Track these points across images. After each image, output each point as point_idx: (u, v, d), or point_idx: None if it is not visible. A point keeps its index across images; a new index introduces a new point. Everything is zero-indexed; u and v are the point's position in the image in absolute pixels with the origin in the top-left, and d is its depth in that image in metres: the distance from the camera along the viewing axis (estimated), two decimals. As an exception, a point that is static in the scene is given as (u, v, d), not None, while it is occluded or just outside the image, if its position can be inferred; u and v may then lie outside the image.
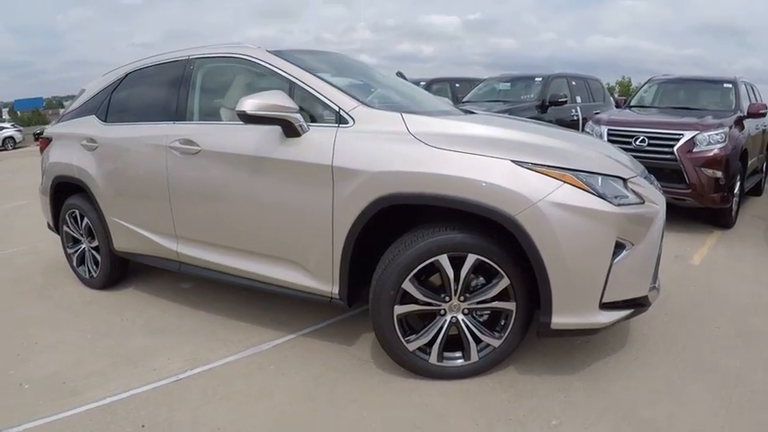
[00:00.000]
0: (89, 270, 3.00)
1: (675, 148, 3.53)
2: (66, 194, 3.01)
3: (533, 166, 1.69)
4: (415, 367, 1.91)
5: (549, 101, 5.48)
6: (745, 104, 4.16)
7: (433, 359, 1.89)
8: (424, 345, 1.87)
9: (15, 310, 2.78)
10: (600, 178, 1.75)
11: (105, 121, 2.76)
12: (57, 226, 3.15)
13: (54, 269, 3.42)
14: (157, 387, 1.95)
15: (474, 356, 1.88)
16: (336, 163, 1.85)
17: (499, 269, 1.77)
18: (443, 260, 1.77)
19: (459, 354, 1.90)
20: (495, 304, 1.83)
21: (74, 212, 2.96)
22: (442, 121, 1.97)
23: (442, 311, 1.86)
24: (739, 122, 3.83)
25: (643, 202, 1.80)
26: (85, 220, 2.88)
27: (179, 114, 2.36)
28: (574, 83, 6.22)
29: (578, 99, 6.17)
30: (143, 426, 1.72)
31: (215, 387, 1.94)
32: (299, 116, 1.90)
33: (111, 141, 2.65)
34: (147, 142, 2.43)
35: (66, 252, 3.14)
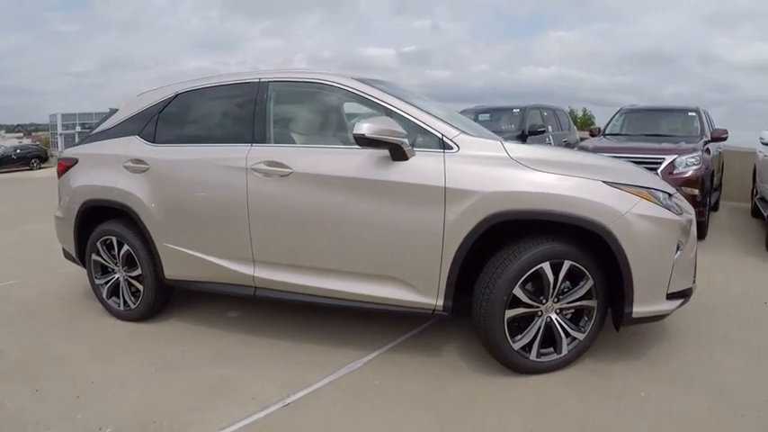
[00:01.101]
0: (125, 301, 2.77)
1: (659, 171, 4.10)
2: (96, 220, 2.79)
3: (618, 185, 1.98)
4: (517, 365, 2.05)
5: (529, 130, 6.02)
6: (708, 130, 4.92)
7: (532, 356, 2.05)
8: (526, 344, 2.04)
9: (47, 349, 2.49)
10: (661, 194, 2.09)
11: (154, 141, 2.65)
12: (80, 255, 2.89)
13: (68, 302, 3.12)
14: (269, 414, 1.87)
15: (564, 350, 2.07)
16: (449, 185, 1.98)
17: (586, 272, 2.01)
18: (546, 267, 1.97)
19: (551, 349, 2.08)
20: (582, 303, 2.06)
21: (108, 239, 2.75)
22: (534, 147, 2.21)
23: (540, 312, 2.05)
24: (706, 146, 4.55)
25: (682, 213, 2.17)
26: (125, 247, 2.68)
27: (258, 136, 2.34)
28: (545, 113, 6.88)
29: (550, 128, 6.80)
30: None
31: (332, 407, 1.91)
32: (407, 141, 2.03)
33: (168, 163, 2.53)
34: (222, 164, 2.36)
35: (93, 283, 2.87)
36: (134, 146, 2.67)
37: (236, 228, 2.34)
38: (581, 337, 2.08)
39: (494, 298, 1.96)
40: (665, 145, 4.43)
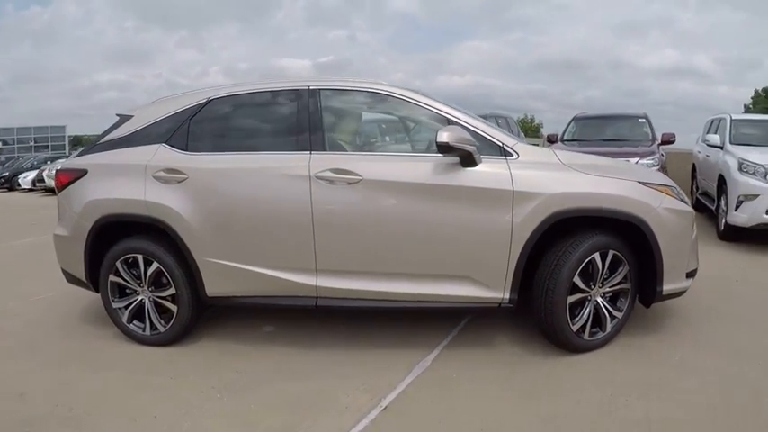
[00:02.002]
0: (152, 325, 2.53)
1: (623, 173, 4.74)
2: (113, 237, 2.52)
3: (649, 185, 2.35)
4: (575, 346, 2.30)
5: None
6: (658, 135, 5.69)
7: (586, 336, 2.32)
8: (581, 326, 2.30)
9: (76, 384, 2.20)
10: (677, 189, 2.52)
11: (186, 150, 2.47)
12: (92, 277, 2.57)
13: (67, 330, 2.82)
14: (375, 420, 1.88)
15: (608, 328, 2.37)
16: (517, 188, 2.17)
17: (624, 259, 2.34)
18: (596, 256, 2.25)
19: (597, 329, 2.38)
20: (620, 286, 2.38)
21: (131, 258, 2.50)
22: (574, 154, 2.50)
23: (589, 297, 2.33)
24: (658, 149, 5.33)
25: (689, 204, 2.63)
26: (154, 265, 2.46)
27: (315, 144, 2.32)
28: (499, 121, 7.44)
29: None
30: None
31: (429, 404, 1.98)
32: (476, 149, 2.19)
33: (213, 173, 2.38)
34: (279, 173, 2.29)
35: (109, 307, 2.57)
36: (163, 155, 2.47)
37: (297, 237, 2.29)
38: (619, 315, 2.40)
39: (558, 287, 2.20)
40: (625, 149, 5.12)
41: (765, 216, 4.11)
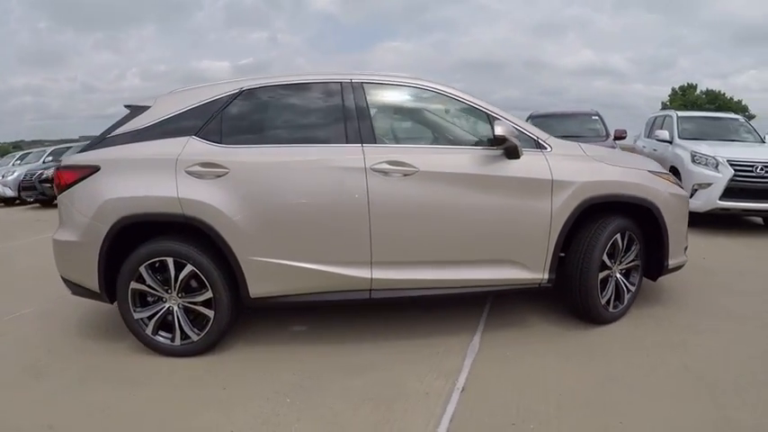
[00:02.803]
0: (183, 334, 2.32)
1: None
2: (133, 240, 2.27)
3: (656, 173, 2.70)
4: (602, 318, 2.56)
5: None
6: (611, 131, 6.34)
7: (611, 309, 2.60)
8: (606, 300, 2.57)
9: (117, 409, 1.93)
10: (673, 177, 2.92)
11: (221, 142, 2.31)
12: (108, 286, 2.29)
13: (71, 349, 2.43)
14: (461, 401, 1.94)
15: (626, 301, 2.67)
16: (555, 177, 2.37)
17: (636, 239, 2.66)
18: (618, 237, 2.54)
19: (617, 302, 2.66)
20: (633, 263, 2.70)
21: (159, 262, 2.27)
22: (595, 147, 2.78)
23: (612, 274, 2.60)
24: (615, 145, 5.95)
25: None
26: (186, 268, 2.25)
27: (366, 137, 2.31)
28: None
29: None
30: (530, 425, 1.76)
31: (507, 378, 2.09)
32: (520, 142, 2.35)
33: (258, 167, 2.25)
34: (332, 165, 2.25)
35: (129, 318, 2.30)
36: (195, 148, 2.28)
37: (353, 230, 2.26)
38: (633, 289, 2.72)
39: (591, 265, 2.45)
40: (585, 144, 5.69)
41: (719, 202, 4.75)
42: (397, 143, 2.48)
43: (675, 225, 2.68)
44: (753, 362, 2.19)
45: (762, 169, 4.71)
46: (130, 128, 2.37)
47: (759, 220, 5.40)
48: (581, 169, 2.47)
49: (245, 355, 2.39)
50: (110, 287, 2.30)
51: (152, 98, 2.50)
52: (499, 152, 2.35)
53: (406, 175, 2.28)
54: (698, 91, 42.57)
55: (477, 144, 2.45)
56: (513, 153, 2.34)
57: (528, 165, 2.39)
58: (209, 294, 2.28)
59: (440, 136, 2.70)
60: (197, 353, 2.34)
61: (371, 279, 2.32)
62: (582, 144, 2.68)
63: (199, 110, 2.36)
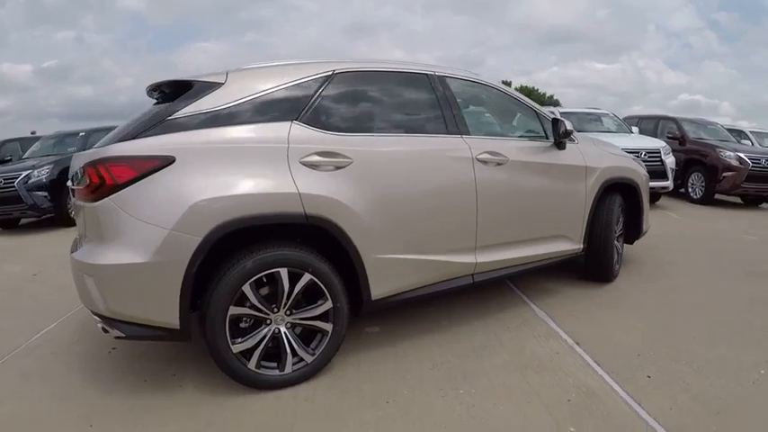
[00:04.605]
0: (296, 357, 1.94)
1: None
2: (222, 251, 1.79)
3: (636, 160, 3.49)
4: (613, 275, 3.17)
5: None
6: None
7: (617, 267, 3.24)
8: (615, 260, 3.21)
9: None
10: (639, 160, 3.82)
11: (329, 129, 2.01)
12: (185, 312, 1.72)
13: (108, 387, 1.75)
14: (586, 350, 2.21)
15: (620, 261, 3.43)
16: (587, 164, 2.87)
17: (621, 214, 3.38)
18: (620, 210, 3.21)
19: (618, 263, 3.35)
20: (621, 231, 3.41)
21: (271, 274, 1.83)
22: (598, 138, 3.42)
23: (618, 239, 3.23)
24: None
25: None
26: (304, 278, 1.89)
27: (461, 129, 2.34)
28: None
29: None
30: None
31: (600, 331, 2.42)
32: None
33: (380, 156, 2.05)
34: (446, 155, 2.22)
35: (225, 354, 1.80)
36: (305, 134, 1.92)
37: (464, 218, 2.29)
38: (621, 251, 3.47)
39: (611, 233, 3.03)
40: None
41: None
42: (479, 134, 2.60)
43: (646, 198, 3.52)
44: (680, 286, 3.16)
45: (646, 155, 6.18)
46: (202, 108, 1.83)
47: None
48: (600, 157, 3.05)
49: (348, 368, 2.11)
50: (186, 316, 1.74)
51: (215, 73, 1.96)
52: (549, 143, 2.74)
53: (499, 164, 2.43)
54: (512, 87, 51.50)
55: (534, 137, 2.78)
56: (563, 145, 2.77)
57: (570, 154, 2.84)
58: (327, 305, 1.96)
59: (507, 129, 2.93)
60: (311, 376, 1.99)
61: (476, 263, 2.40)
62: (592, 137, 3.31)
63: (290, 91, 1.99)
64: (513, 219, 2.55)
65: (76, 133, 7.15)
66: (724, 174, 6.75)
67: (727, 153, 6.89)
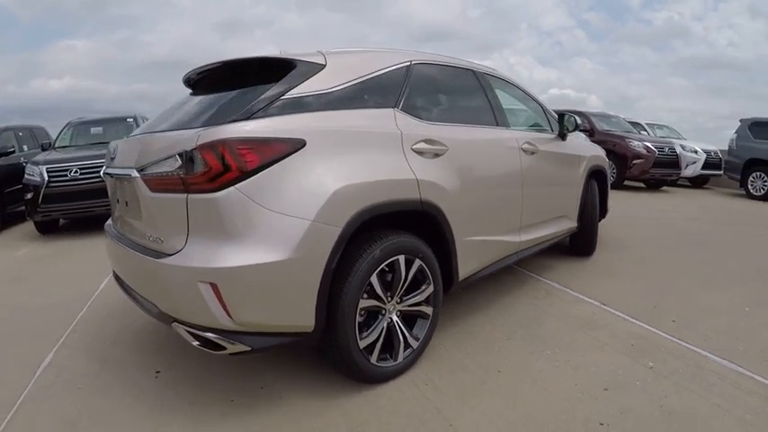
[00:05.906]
0: (406, 344, 1.95)
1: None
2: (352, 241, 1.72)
3: (598, 147, 4.14)
4: (594, 247, 3.78)
5: None
6: None
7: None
8: None
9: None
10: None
11: (421, 118, 2.03)
12: (322, 311, 1.62)
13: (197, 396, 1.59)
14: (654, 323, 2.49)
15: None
16: (580, 153, 3.34)
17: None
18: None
19: None
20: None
21: (392, 263, 1.80)
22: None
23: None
24: None
25: None
26: (415, 264, 1.90)
27: (502, 121, 2.55)
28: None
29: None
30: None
31: (642, 302, 2.76)
32: None
33: (468, 144, 2.17)
34: (505, 145, 2.43)
35: (355, 353, 1.73)
36: (409, 122, 1.92)
37: (515, 201, 2.54)
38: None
39: (595, 210, 3.56)
40: None
41: None
42: (516, 127, 2.84)
43: (608, 182, 4.23)
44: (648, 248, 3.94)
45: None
46: (310, 90, 1.70)
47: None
48: (585, 147, 3.58)
49: (428, 351, 2.15)
50: (323, 316, 1.63)
51: (309, 54, 1.83)
52: (554, 135, 3.13)
53: (532, 153, 2.72)
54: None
55: (542, 129, 3.10)
56: (565, 136, 3.19)
57: (570, 144, 3.28)
58: (430, 289, 2.01)
59: (526, 122, 3.21)
60: (414, 362, 2.01)
61: (519, 242, 2.66)
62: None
63: (386, 77, 1.97)
64: (542, 201, 2.88)
65: (123, 118, 6.54)
66: (634, 161, 7.66)
67: (635, 143, 7.68)
